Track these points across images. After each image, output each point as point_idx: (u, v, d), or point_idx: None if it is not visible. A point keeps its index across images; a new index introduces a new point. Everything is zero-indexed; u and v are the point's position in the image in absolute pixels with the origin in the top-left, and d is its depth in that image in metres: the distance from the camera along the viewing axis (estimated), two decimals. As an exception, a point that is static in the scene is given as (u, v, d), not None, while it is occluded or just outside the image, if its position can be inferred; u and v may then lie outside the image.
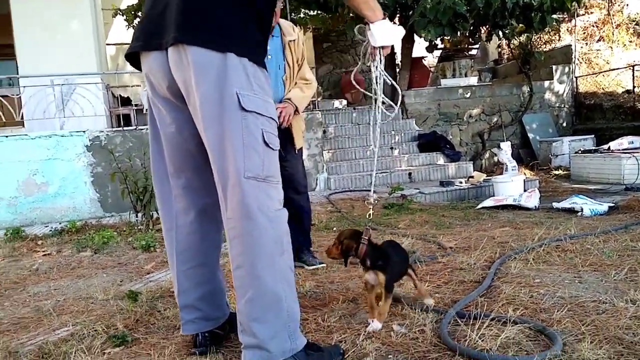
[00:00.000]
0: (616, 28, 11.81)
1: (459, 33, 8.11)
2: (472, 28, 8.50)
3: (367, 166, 7.95)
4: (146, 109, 1.95)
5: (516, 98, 9.89)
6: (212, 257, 2.00)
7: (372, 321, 2.09)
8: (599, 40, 11.89)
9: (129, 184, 5.10)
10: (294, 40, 3.20)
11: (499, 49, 12.45)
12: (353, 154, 8.27)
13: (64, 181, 6.30)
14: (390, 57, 10.00)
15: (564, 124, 10.20)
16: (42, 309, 2.76)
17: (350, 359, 1.83)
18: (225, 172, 1.68)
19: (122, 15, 9.47)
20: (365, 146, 8.43)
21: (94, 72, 7.39)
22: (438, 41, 9.04)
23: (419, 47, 10.01)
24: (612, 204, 5.04)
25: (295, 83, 3.26)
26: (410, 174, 7.83)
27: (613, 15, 11.95)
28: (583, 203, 5.01)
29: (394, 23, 2.09)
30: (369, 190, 7.14)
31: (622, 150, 7.56)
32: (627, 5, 12.28)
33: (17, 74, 7.66)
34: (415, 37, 8.98)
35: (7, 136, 6.24)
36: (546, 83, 10.10)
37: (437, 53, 11.82)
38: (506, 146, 7.64)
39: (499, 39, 9.49)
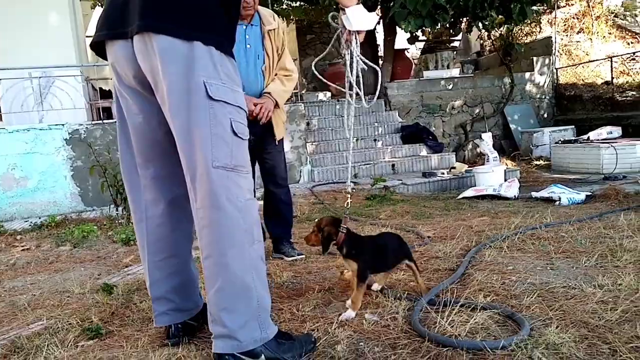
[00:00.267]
0: (596, 20, 11.92)
1: (439, 24, 8.13)
2: (452, 19, 8.52)
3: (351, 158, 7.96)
4: None
5: (498, 89, 9.96)
6: (184, 248, 2.00)
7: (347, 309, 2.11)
8: (579, 32, 12.00)
9: (108, 177, 5.06)
10: (274, 30, 3.14)
11: (481, 41, 12.50)
12: (337, 146, 8.28)
13: (43, 175, 6.22)
14: (372, 50, 10.01)
15: (545, 115, 10.30)
16: (17, 304, 2.73)
17: (322, 347, 1.84)
18: (194, 161, 1.67)
19: (101, 6, 9.34)
20: (349, 138, 8.43)
21: (73, 65, 7.28)
22: (419, 33, 9.04)
23: (402, 39, 10.02)
24: (590, 193, 5.12)
25: (276, 74, 3.22)
26: (393, 165, 7.87)
27: (593, 7, 12.06)
28: (561, 192, 5.07)
29: (377, 15, 2.10)
30: (354, 183, 7.17)
31: (601, 140, 7.68)
32: (607, -3, 12.42)
33: (-6, 67, 7.54)
34: (398, 29, 8.98)
35: (-16, 130, 6.14)
36: (527, 74, 10.18)
37: (421, 45, 11.86)
38: (487, 137, 7.71)
39: (479, 31, 9.52)
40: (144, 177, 1.89)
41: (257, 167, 3.34)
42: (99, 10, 9.55)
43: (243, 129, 1.73)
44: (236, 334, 1.68)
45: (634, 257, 2.60)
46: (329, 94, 11.04)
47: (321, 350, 1.82)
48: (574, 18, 12.23)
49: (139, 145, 1.85)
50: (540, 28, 11.92)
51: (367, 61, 2.19)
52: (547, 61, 10.32)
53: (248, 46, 3.06)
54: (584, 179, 6.61)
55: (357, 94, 2.25)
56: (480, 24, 8.57)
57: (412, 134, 8.48)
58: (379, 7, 8.57)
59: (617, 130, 8.07)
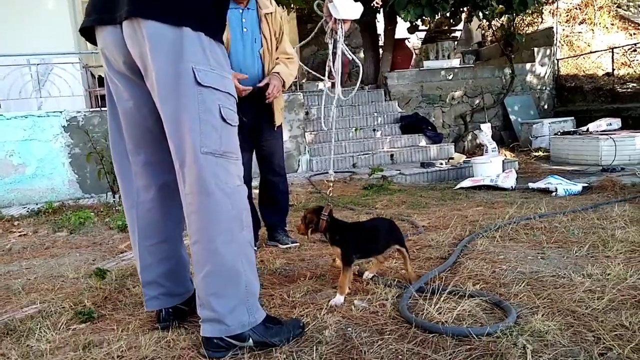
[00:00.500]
0: (598, 10, 11.84)
1: (438, 14, 8.08)
2: (452, 9, 8.47)
3: (350, 147, 7.98)
4: None
5: (498, 80, 9.93)
6: (175, 233, 2.01)
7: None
8: (581, 22, 11.92)
9: (105, 164, 5.07)
10: (271, 13, 3.11)
11: (483, 32, 12.43)
12: (336, 136, 8.27)
13: (41, 162, 6.24)
14: (372, 39, 9.98)
15: (545, 106, 10.28)
16: (12, 288, 2.76)
17: (310, 332, 1.85)
18: (182, 147, 1.67)
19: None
20: (348, 127, 8.44)
21: (71, 52, 7.26)
22: (419, 22, 8.99)
23: (402, 29, 9.97)
24: (586, 184, 5.12)
25: (277, 58, 3.21)
26: (392, 155, 7.87)
27: (596, -2, 11.99)
28: (558, 183, 5.08)
29: (376, 3, 2.09)
30: (352, 172, 7.17)
31: (601, 132, 7.66)
32: (610, -13, 12.32)
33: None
34: (398, 18, 8.93)
35: (-18, 117, 6.15)
36: (528, 65, 10.14)
37: (422, 35, 11.80)
38: (486, 128, 7.70)
39: (480, 21, 9.47)
40: (135, 164, 1.90)
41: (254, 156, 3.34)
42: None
43: (232, 115, 1.73)
44: (224, 318, 1.70)
45: (625, 247, 2.61)
46: (329, 83, 11.00)
47: (309, 335, 1.83)
48: (576, 8, 12.15)
49: (129, 132, 1.86)
50: (542, 18, 11.85)
51: (350, 53, 2.19)
52: (548, 52, 10.27)
53: (245, 30, 3.04)
54: (582, 170, 6.61)
55: (334, 84, 2.25)
56: (480, 14, 8.51)
57: (412, 124, 8.47)
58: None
59: (616, 122, 8.05)
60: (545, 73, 10.25)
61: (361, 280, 2.38)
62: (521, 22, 11.62)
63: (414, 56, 11.36)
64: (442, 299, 2.01)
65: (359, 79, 2.52)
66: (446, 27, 10.26)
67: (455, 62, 10.07)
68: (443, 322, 1.84)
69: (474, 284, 2.20)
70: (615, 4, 12.08)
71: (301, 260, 2.91)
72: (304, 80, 11.33)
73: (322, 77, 2.69)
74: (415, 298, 2.11)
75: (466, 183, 5.76)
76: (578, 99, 10.02)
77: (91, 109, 6.65)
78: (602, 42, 11.20)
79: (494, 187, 5.48)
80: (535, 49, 10.23)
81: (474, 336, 1.71)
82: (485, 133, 7.73)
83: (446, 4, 7.62)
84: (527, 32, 11.33)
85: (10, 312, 2.39)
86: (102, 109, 6.51)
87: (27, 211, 5.40)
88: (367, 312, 2.00)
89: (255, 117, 3.17)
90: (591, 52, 10.85)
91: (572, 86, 10.21)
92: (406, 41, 10.67)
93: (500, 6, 8.22)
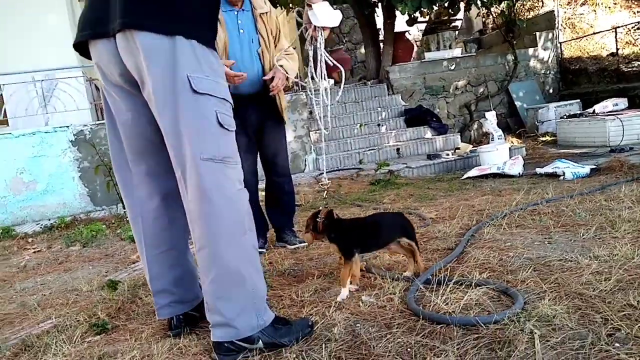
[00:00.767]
0: (599, -10, 11.73)
1: (436, 5, 8.04)
2: (449, -1, 8.45)
3: (355, 144, 7.98)
4: None
5: (501, 67, 9.87)
6: (181, 240, 2.03)
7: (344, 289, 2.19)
8: (582, 4, 11.81)
9: (113, 176, 5.10)
10: (266, 13, 3.14)
11: (483, 19, 12.37)
12: (340, 133, 8.29)
13: (51, 178, 6.32)
14: (372, 33, 9.96)
15: (550, 90, 10.20)
16: (28, 304, 2.81)
17: (320, 330, 1.87)
18: (182, 155, 1.70)
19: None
20: (352, 124, 8.45)
21: (74, 66, 7.33)
22: (417, 14, 8.97)
23: (402, 22, 9.95)
24: (594, 166, 5.08)
25: (277, 55, 3.21)
26: (398, 149, 7.86)
27: (596, -23, 11.87)
28: (565, 167, 5.05)
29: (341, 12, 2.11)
30: (358, 168, 7.17)
31: (607, 112, 7.59)
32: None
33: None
34: (397, 12, 8.92)
35: (-10, 136, 6.24)
36: (530, 50, 10.07)
37: (422, 27, 11.76)
38: (491, 115, 7.65)
39: (478, 9, 9.42)
40: (136, 174, 1.93)
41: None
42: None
43: (229, 121, 1.76)
44: (233, 322, 1.72)
45: (633, 227, 2.60)
46: (332, 81, 11.01)
47: (318, 334, 1.85)
48: (577, -10, 12.04)
49: (129, 143, 1.88)
50: (543, 2, 11.77)
51: (331, 59, 2.21)
52: (550, 36, 10.20)
53: (241, 31, 3.07)
54: (590, 152, 6.56)
55: (317, 89, 2.27)
56: (479, 2, 8.47)
57: (416, 117, 8.46)
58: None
59: (623, 102, 7.97)
60: (549, 57, 10.17)
61: (369, 276, 2.40)
62: (521, 7, 11.54)
63: (415, 48, 11.33)
64: (448, 289, 2.02)
65: (342, 82, 2.50)
66: (446, 17, 10.23)
67: (457, 52, 10.03)
68: (450, 312, 1.85)
69: (481, 272, 2.21)
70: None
71: (309, 259, 2.93)
72: (306, 79, 11.35)
73: (304, 84, 2.72)
74: (423, 290, 2.12)
75: (473, 172, 5.74)
76: (583, 81, 9.94)
77: (97, 122, 6.72)
78: (606, 22, 11.08)
79: (501, 175, 5.45)
80: (537, 34, 10.16)
81: (482, 325, 1.72)
82: (490, 121, 7.67)
83: (443, -5, 7.60)
84: (528, 16, 11.25)
85: (27, 328, 2.44)
86: (108, 121, 6.56)
87: (41, 227, 5.48)
88: (375, 307, 2.02)
89: (259, 118, 3.20)
90: (594, 33, 10.75)
91: (576, 68, 10.12)
92: (406, 34, 10.65)
93: (498, -7, 8.18)
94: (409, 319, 1.87)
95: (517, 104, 9.73)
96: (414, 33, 12.39)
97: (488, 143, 7.58)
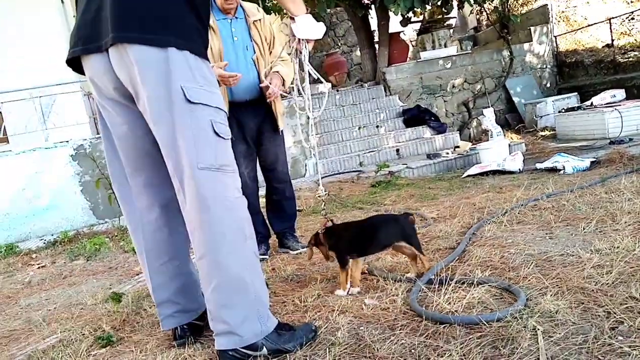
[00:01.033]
0: (592, -18, 11.74)
1: (429, 4, 8.05)
2: (441, -2, 8.46)
3: (355, 147, 7.99)
4: None
5: (497, 64, 9.88)
6: (182, 250, 2.04)
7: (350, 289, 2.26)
8: (576, -4, 11.82)
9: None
10: (260, 20, 3.16)
11: (477, 16, 12.38)
12: (340, 136, 8.30)
13: (53, 193, 6.33)
14: (367, 35, 9.98)
15: (548, 85, 10.20)
16: (33, 320, 2.81)
17: (323, 335, 1.88)
18: (180, 165, 1.71)
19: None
20: (351, 127, 8.45)
21: (71, 81, 7.35)
22: (410, 14, 8.99)
23: (396, 23, 9.96)
24: (594, 159, 5.08)
25: (272, 62, 3.22)
26: (397, 150, 7.86)
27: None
28: (565, 161, 5.05)
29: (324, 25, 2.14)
30: (359, 171, 7.14)
31: (605, 104, 7.58)
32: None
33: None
34: (390, 13, 8.94)
35: (-9, 154, 6.27)
36: (526, 45, 10.08)
37: (416, 26, 11.78)
38: (489, 112, 7.66)
39: (471, 6, 9.43)
40: (135, 186, 1.94)
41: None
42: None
43: (224, 129, 1.77)
44: (237, 329, 1.72)
45: (633, 219, 2.60)
46: (329, 85, 11.04)
47: (322, 338, 1.85)
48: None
49: (126, 155, 1.89)
50: (536, -4, 11.78)
51: (315, 72, 2.23)
52: (545, 30, 10.20)
53: (235, 39, 3.08)
54: (589, 145, 6.55)
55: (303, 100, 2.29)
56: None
57: (414, 117, 8.46)
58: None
59: (620, 93, 7.96)
60: (544, 51, 10.18)
61: (371, 279, 2.40)
62: (515, 2, 11.55)
63: (411, 48, 11.35)
64: (451, 289, 2.03)
65: (326, 95, 2.51)
66: (439, 16, 10.24)
67: (453, 50, 10.03)
68: (453, 312, 1.86)
69: (483, 270, 2.21)
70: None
71: (312, 264, 2.93)
72: (304, 84, 11.36)
73: (286, 94, 2.73)
74: (425, 291, 2.12)
75: (473, 170, 5.74)
76: (580, 73, 9.94)
77: (97, 135, 6.73)
78: (600, 14, 11.08)
79: (502, 172, 5.45)
80: (532, 28, 10.17)
81: (485, 323, 1.72)
82: (488, 118, 7.68)
83: (435, -6, 7.61)
84: (522, 12, 11.26)
85: (32, 343, 2.44)
86: (107, 134, 6.58)
87: (44, 243, 5.49)
88: (379, 310, 2.02)
89: (257, 125, 3.21)
90: (588, 25, 10.75)
91: (572, 62, 10.12)
92: (401, 34, 10.67)
93: (490, -10, 8.19)
94: (412, 320, 1.87)
95: (515, 99, 9.74)
96: (409, 33, 12.39)
97: (487, 140, 7.59)
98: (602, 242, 2.30)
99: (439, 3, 8.69)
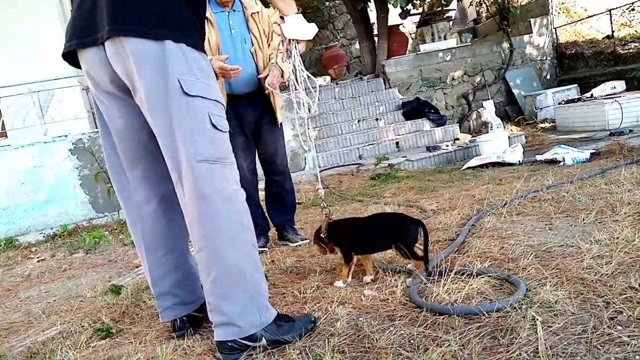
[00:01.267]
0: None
1: (427, -4, 8.02)
2: (441, -11, 8.42)
3: (354, 140, 7.98)
4: None
5: (497, 56, 9.85)
6: (181, 243, 2.04)
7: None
8: (576, -13, 11.77)
9: (113, 182, 5.13)
10: (257, 12, 3.14)
11: (477, 8, 12.33)
12: (339, 129, 8.28)
13: (52, 187, 6.33)
14: (366, 28, 9.94)
15: (548, 77, 10.17)
16: (33, 312, 2.81)
17: (322, 326, 1.88)
18: (177, 158, 1.70)
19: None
20: (351, 120, 8.44)
21: (69, 76, 7.33)
22: (410, 7, 8.95)
23: (395, 15, 9.92)
24: (594, 151, 5.07)
25: (271, 54, 3.18)
26: (397, 142, 7.85)
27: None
28: (565, 153, 5.03)
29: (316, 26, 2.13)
30: (358, 164, 7.13)
31: (605, 96, 7.56)
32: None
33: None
34: (390, 5, 8.90)
35: (-10, 148, 6.26)
36: (526, 37, 10.04)
37: (416, 19, 11.73)
38: (489, 105, 7.64)
39: (470, -2, 9.39)
40: (132, 179, 1.93)
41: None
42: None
43: (222, 122, 1.76)
44: (236, 320, 1.72)
45: (633, 209, 2.59)
46: (328, 78, 11.01)
47: (321, 329, 1.85)
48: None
49: (124, 148, 1.89)
50: (536, -12, 11.70)
51: (305, 71, 2.22)
52: (545, 21, 10.16)
53: (233, 31, 3.07)
54: (589, 137, 6.53)
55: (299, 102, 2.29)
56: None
57: (414, 110, 8.44)
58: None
59: (620, 85, 7.94)
60: (544, 43, 10.14)
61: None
62: (514, -6, 11.49)
63: (410, 41, 11.31)
64: (450, 279, 2.02)
65: (316, 98, 2.44)
66: (439, 8, 10.20)
67: (452, 42, 10.00)
68: (452, 302, 1.85)
69: (482, 261, 2.21)
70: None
71: (311, 256, 2.93)
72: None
73: (286, 83, 2.72)
74: (425, 282, 2.12)
75: (473, 162, 5.73)
76: (580, 65, 9.90)
77: (95, 129, 6.72)
78: (600, 5, 11.03)
79: (501, 164, 5.44)
80: (532, 20, 10.13)
81: (484, 313, 1.72)
82: (488, 110, 7.66)
83: (434, -14, 7.57)
84: (522, 3, 11.20)
85: (32, 335, 2.45)
86: (106, 128, 6.57)
87: (44, 236, 5.50)
88: (378, 301, 2.02)
89: (256, 117, 3.20)
90: (589, 17, 10.71)
91: (572, 53, 10.09)
92: (400, 27, 10.63)
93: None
94: (412, 311, 1.87)
95: (515, 91, 9.71)
96: (408, 26, 12.35)
97: (487, 132, 7.57)
98: (602, 233, 2.29)
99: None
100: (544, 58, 10.17)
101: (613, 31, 9.73)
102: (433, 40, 10.16)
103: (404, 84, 9.37)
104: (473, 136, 7.45)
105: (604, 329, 1.51)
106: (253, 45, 3.11)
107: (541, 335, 1.52)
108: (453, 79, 9.61)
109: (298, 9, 2.09)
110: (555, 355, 1.42)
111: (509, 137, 6.53)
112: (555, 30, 10.31)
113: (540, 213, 2.90)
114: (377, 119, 8.49)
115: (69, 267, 3.91)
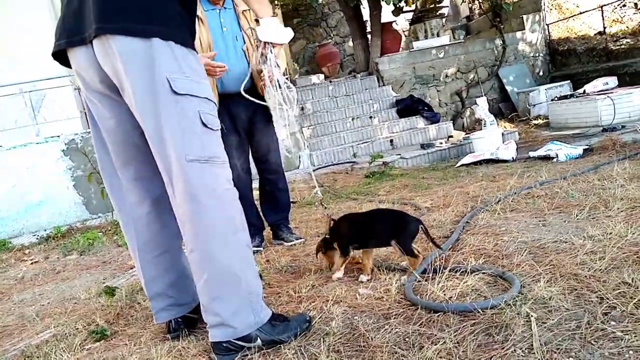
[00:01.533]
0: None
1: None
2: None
3: (348, 138, 7.97)
4: None
5: (490, 53, 9.86)
6: (174, 244, 2.02)
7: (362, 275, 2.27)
8: (568, -16, 11.80)
9: (107, 183, 5.10)
10: (249, 10, 3.11)
11: (470, 5, 12.35)
12: (333, 128, 8.28)
13: (45, 188, 6.27)
14: (359, 25, 9.93)
15: (541, 73, 10.20)
16: (26, 315, 2.80)
17: (318, 325, 1.87)
18: (167, 158, 1.68)
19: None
20: (345, 118, 8.43)
21: (61, 75, 7.28)
22: (403, 4, 8.95)
23: (388, 13, 9.92)
24: (587, 147, 5.09)
25: None
26: (391, 140, 7.85)
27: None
28: (558, 149, 5.06)
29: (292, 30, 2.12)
30: (353, 162, 7.12)
31: (598, 92, 7.59)
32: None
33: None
34: (382, 2, 8.89)
35: (-19, 150, 6.20)
36: (518, 34, 10.07)
37: (409, 16, 11.74)
38: (482, 102, 7.66)
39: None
40: (124, 180, 1.91)
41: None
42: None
43: (212, 120, 1.74)
44: (230, 321, 1.71)
45: (626, 205, 2.61)
46: (322, 76, 11.01)
47: (317, 328, 1.85)
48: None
49: (115, 149, 1.87)
50: (528, -15, 11.73)
51: (281, 76, 2.21)
52: (537, 18, 10.19)
53: (224, 29, 3.05)
54: (582, 133, 6.56)
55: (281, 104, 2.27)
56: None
57: (407, 107, 8.45)
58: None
59: (613, 81, 7.97)
60: (537, 39, 10.17)
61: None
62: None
63: (403, 38, 11.31)
64: (444, 277, 2.03)
65: (295, 102, 2.42)
66: (432, 5, 10.20)
67: (445, 40, 10.01)
68: (447, 300, 1.86)
69: (476, 258, 2.21)
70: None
71: (306, 255, 2.92)
72: (296, 76, 11.34)
73: (256, 101, 2.69)
74: (419, 280, 2.12)
75: (467, 159, 5.75)
76: (572, 61, 9.94)
77: (88, 130, 6.68)
78: (592, 1, 11.07)
79: (495, 160, 5.46)
80: (524, 17, 10.15)
81: (479, 310, 1.72)
82: (482, 107, 7.69)
83: (426, -17, 7.58)
84: (514, 0, 11.22)
85: (26, 339, 2.43)
86: (99, 128, 6.54)
87: (37, 238, 5.47)
88: (372, 299, 2.02)
89: (249, 116, 3.19)
90: (580, 13, 10.74)
91: (565, 50, 10.12)
92: (393, 24, 10.63)
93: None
94: (407, 309, 1.87)
95: (508, 88, 9.74)
96: (401, 23, 12.36)
97: (481, 129, 7.59)
98: (595, 229, 2.30)
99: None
100: (537, 55, 10.20)
101: (605, 27, 9.77)
102: (426, 38, 10.17)
103: (397, 82, 9.38)
104: (467, 133, 7.47)
105: (598, 324, 1.52)
106: (245, 42, 3.10)
107: (535, 331, 1.52)
108: (446, 76, 9.63)
109: (273, 12, 2.07)
110: (549, 351, 1.43)
111: (502, 134, 6.55)
112: (548, 26, 10.34)
113: (534, 209, 2.91)
114: (371, 117, 8.49)
115: (63, 269, 3.88)
